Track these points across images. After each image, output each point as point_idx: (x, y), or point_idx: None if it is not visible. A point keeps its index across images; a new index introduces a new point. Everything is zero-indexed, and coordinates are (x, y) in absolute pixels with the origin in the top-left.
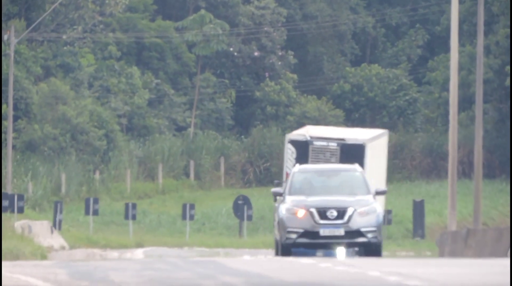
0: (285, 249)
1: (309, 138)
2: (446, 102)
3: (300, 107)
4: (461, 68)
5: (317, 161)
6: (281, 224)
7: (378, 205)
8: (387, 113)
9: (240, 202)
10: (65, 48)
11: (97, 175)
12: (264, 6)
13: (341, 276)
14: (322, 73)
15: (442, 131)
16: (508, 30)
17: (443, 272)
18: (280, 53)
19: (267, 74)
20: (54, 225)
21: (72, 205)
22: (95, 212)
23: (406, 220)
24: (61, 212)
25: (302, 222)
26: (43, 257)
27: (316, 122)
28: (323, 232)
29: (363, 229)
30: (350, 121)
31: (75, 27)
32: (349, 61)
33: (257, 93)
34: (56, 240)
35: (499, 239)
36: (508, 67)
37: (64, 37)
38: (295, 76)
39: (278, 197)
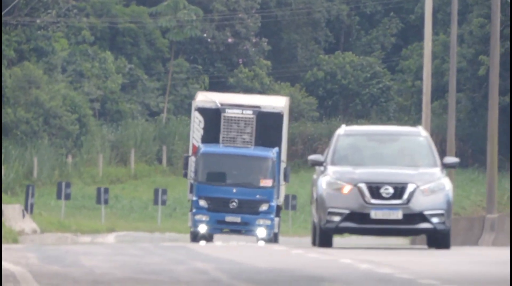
0: (325, 235)
1: (219, 106)
2: (420, 91)
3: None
4: (434, 57)
5: (229, 131)
6: (321, 203)
7: (448, 181)
8: (360, 101)
9: None
10: (38, 32)
11: (69, 159)
12: None
13: (312, 263)
14: (296, 61)
15: (415, 119)
16: (482, 19)
17: (414, 260)
18: (254, 40)
19: (240, 61)
20: (26, 209)
21: (44, 189)
22: (67, 197)
23: None
24: (32, 196)
25: (348, 201)
26: (14, 240)
27: (290, 109)
28: (374, 214)
29: (427, 212)
30: (323, 109)
31: (49, 11)
32: (323, 49)
33: (231, 80)
34: (27, 224)
35: (471, 228)
36: (481, 56)
37: (38, 21)
38: (268, 63)
39: (317, 168)
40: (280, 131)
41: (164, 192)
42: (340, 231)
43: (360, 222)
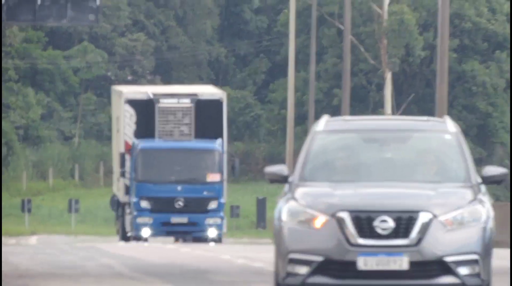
0: None
1: (152, 96)
2: (284, 118)
3: None
4: (296, 90)
5: (166, 123)
6: (279, 245)
7: (486, 206)
8: (236, 126)
9: (116, 198)
10: None
11: None
12: (136, 38)
13: (198, 259)
14: None
15: (281, 142)
16: (335, 59)
17: None
18: (149, 77)
19: None
20: None
21: None
22: None
23: (251, 214)
24: None
25: (321, 242)
26: None
27: None
28: (364, 263)
29: (450, 258)
30: None
31: None
32: (206, 84)
33: None
34: None
35: None
36: (335, 89)
37: None
38: None
39: (284, 187)
40: (221, 121)
41: (77, 202)
42: None
43: (339, 277)
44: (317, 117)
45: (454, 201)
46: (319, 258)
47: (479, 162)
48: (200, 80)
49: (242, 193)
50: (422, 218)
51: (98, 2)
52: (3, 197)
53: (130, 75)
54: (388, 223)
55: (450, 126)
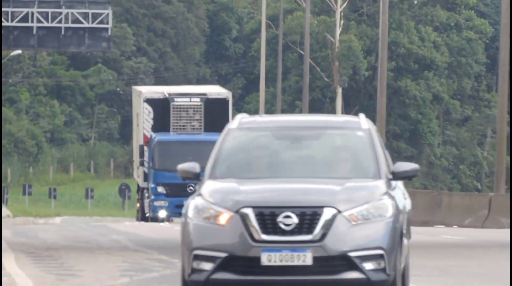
0: None
1: (167, 95)
2: None
3: None
4: (267, 102)
5: (179, 119)
6: (184, 241)
7: (396, 200)
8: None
9: (123, 187)
10: (10, 87)
11: (30, 170)
12: (140, 61)
13: None
14: None
15: None
16: (297, 77)
17: None
18: None
19: None
20: (2, 201)
21: (14, 188)
22: (29, 194)
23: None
24: (7, 193)
25: (225, 238)
26: None
27: None
28: (267, 259)
29: (354, 254)
30: None
31: (17, 74)
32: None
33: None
34: (4, 211)
35: None
36: (297, 102)
37: (10, 80)
38: None
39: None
40: (227, 117)
41: (92, 190)
42: (214, 285)
43: (244, 273)
44: None
45: (360, 197)
46: (223, 254)
47: (411, 159)
48: None
49: None
50: (326, 213)
51: (109, 33)
52: (34, 187)
53: None
54: (292, 219)
55: (363, 123)
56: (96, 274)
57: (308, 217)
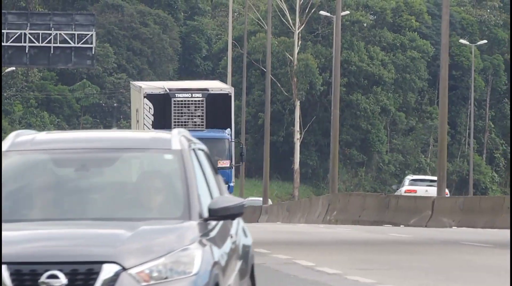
0: None
1: (168, 91)
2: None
3: None
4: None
5: (180, 115)
6: None
7: (210, 249)
8: None
9: None
10: (5, 100)
11: None
12: (120, 77)
13: None
14: None
15: None
16: (260, 92)
17: None
18: (129, 104)
19: (122, 117)
20: None
21: None
22: None
23: None
24: None
25: None
26: None
27: None
28: None
29: None
30: None
31: (11, 88)
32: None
33: (116, 128)
34: None
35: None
36: (260, 113)
37: (5, 94)
38: None
39: None
40: (229, 112)
41: None
42: None
43: None
44: (248, 132)
45: (157, 246)
46: None
47: (362, 165)
48: None
49: None
50: (106, 271)
51: (93, 52)
52: None
53: (116, 103)
54: (60, 280)
55: (174, 142)
56: None
57: (81, 277)
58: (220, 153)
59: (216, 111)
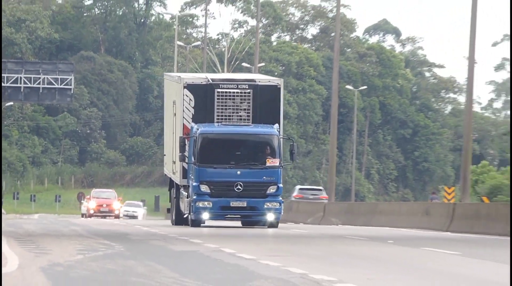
0: None
1: (212, 81)
2: None
3: None
4: None
5: (224, 108)
6: None
7: None
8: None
9: (80, 194)
10: (5, 127)
11: (18, 182)
12: (92, 111)
13: (129, 228)
14: None
15: None
16: None
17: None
18: (99, 131)
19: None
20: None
21: (7, 195)
22: (17, 198)
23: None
24: (2, 198)
25: None
26: None
27: None
28: None
29: None
30: None
31: (10, 118)
32: None
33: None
34: None
35: None
36: None
37: (5, 122)
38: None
39: None
40: (278, 106)
41: (59, 196)
42: None
43: None
44: None
45: None
46: None
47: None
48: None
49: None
50: None
51: (72, 91)
52: (20, 194)
53: (88, 130)
54: None
55: None
56: (61, 252)
57: None
58: (269, 151)
59: (263, 104)
